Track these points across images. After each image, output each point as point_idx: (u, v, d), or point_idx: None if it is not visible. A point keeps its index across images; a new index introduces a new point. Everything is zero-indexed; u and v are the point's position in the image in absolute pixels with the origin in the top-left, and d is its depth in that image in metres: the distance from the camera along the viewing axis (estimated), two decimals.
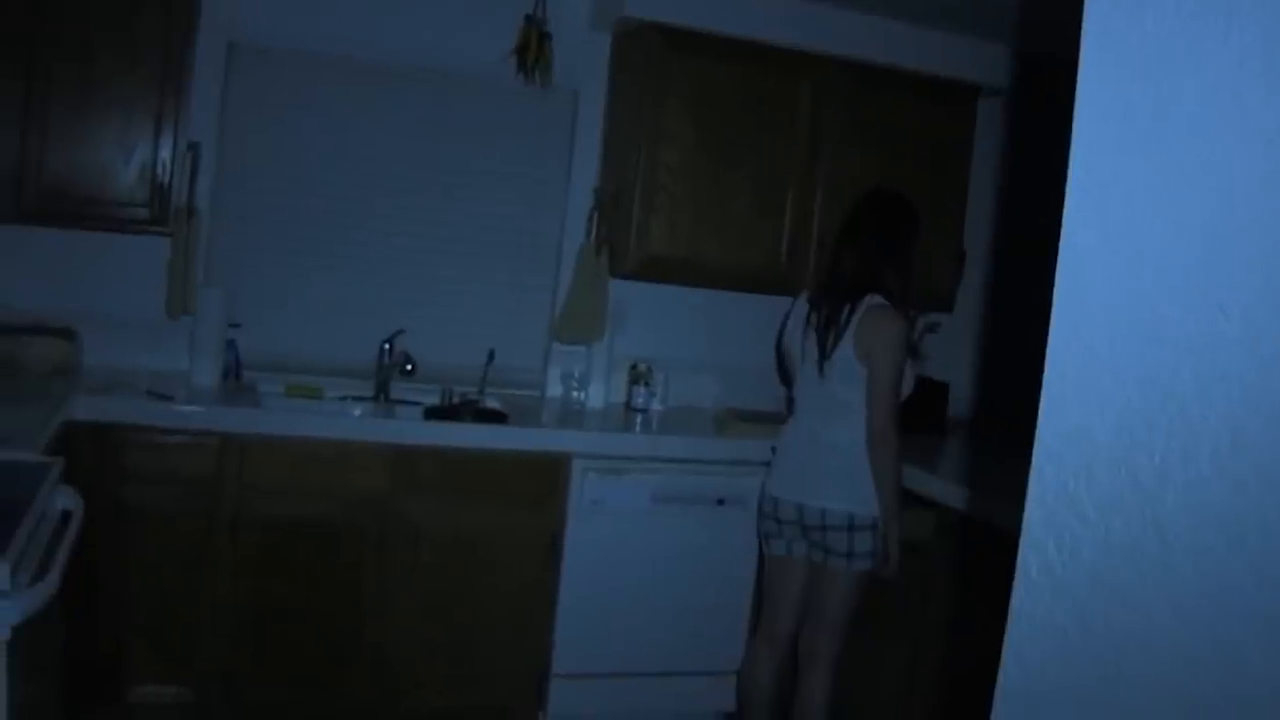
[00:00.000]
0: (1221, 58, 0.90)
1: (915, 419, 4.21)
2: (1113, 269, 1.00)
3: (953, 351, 5.55)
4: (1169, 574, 0.94)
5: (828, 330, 4.01)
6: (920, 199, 4.21)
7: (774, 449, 4.30)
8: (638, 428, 4.97)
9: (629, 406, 5.19)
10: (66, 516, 2.93)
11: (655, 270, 4.94)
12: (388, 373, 4.83)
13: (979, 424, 5.73)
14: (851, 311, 3.96)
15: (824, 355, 4.00)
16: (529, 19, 4.84)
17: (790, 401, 4.44)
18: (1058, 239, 1.07)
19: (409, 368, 4.80)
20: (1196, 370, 0.91)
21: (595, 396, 5.13)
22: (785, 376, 4.48)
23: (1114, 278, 1.00)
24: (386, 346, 4.82)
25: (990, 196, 5.66)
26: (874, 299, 3.97)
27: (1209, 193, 0.91)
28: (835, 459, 3.99)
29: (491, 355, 4.89)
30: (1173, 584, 0.94)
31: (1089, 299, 1.03)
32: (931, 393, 5.17)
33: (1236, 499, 0.88)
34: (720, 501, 4.70)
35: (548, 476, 4.50)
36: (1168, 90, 0.95)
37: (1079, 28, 1.02)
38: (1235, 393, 0.88)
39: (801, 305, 4.20)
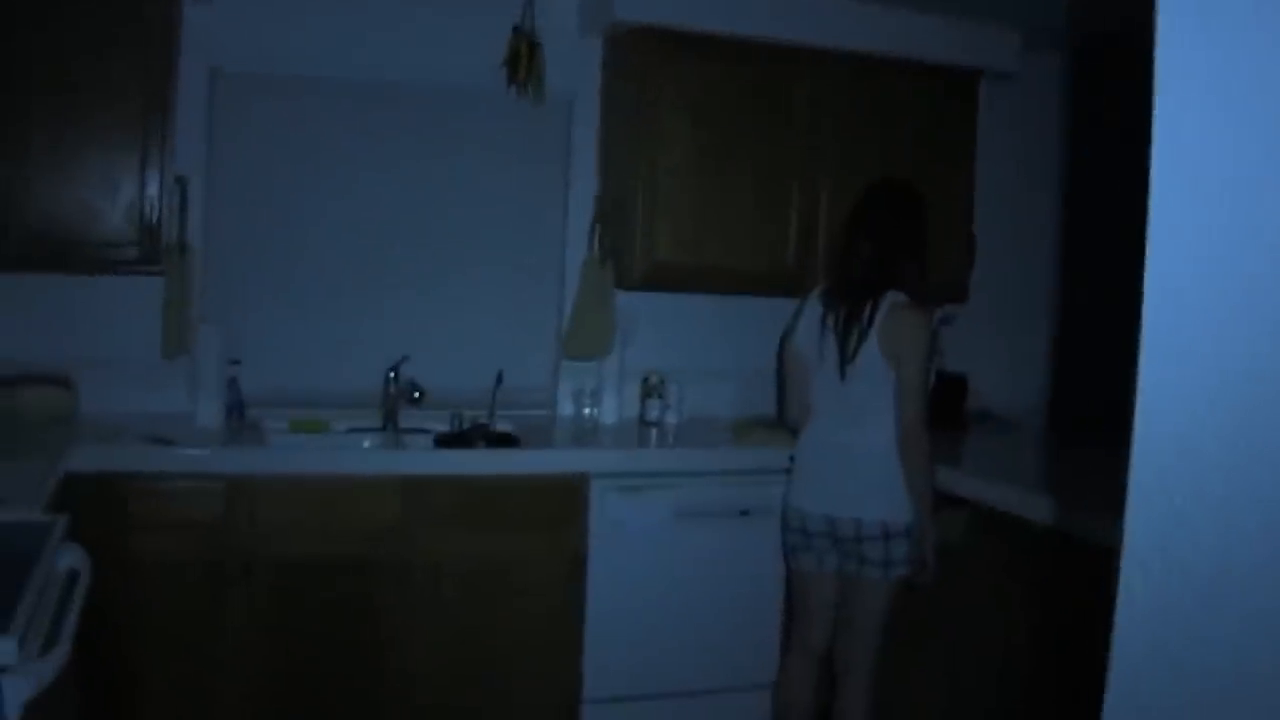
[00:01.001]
0: None
1: (934, 414, 4.11)
2: (1216, 253, 0.91)
3: (968, 343, 5.45)
4: None
5: (848, 331, 3.91)
6: (926, 187, 4.14)
7: (792, 458, 4.20)
8: (654, 442, 4.89)
9: (643, 420, 5.11)
10: (74, 576, 2.84)
11: (661, 278, 4.86)
12: (395, 401, 4.75)
13: (1000, 417, 5.65)
14: (874, 310, 3.87)
15: (846, 358, 3.90)
16: (517, 29, 4.77)
17: (783, 408, 4.37)
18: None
19: (416, 395, 4.73)
20: None
21: (608, 412, 5.06)
22: (786, 380, 4.33)
23: (1217, 264, 0.91)
24: (392, 375, 4.74)
25: (1004, 181, 5.58)
26: (896, 295, 3.88)
27: None
28: (864, 466, 3.90)
29: (500, 377, 4.79)
30: None
31: (1186, 288, 0.93)
32: (949, 386, 5.09)
33: None
34: (744, 512, 4.61)
35: (566, 499, 4.41)
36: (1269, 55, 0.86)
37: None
38: None
39: (814, 305, 4.10)
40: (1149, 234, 0.96)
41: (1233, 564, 0.90)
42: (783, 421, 4.43)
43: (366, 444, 4.68)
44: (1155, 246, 0.96)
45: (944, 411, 4.88)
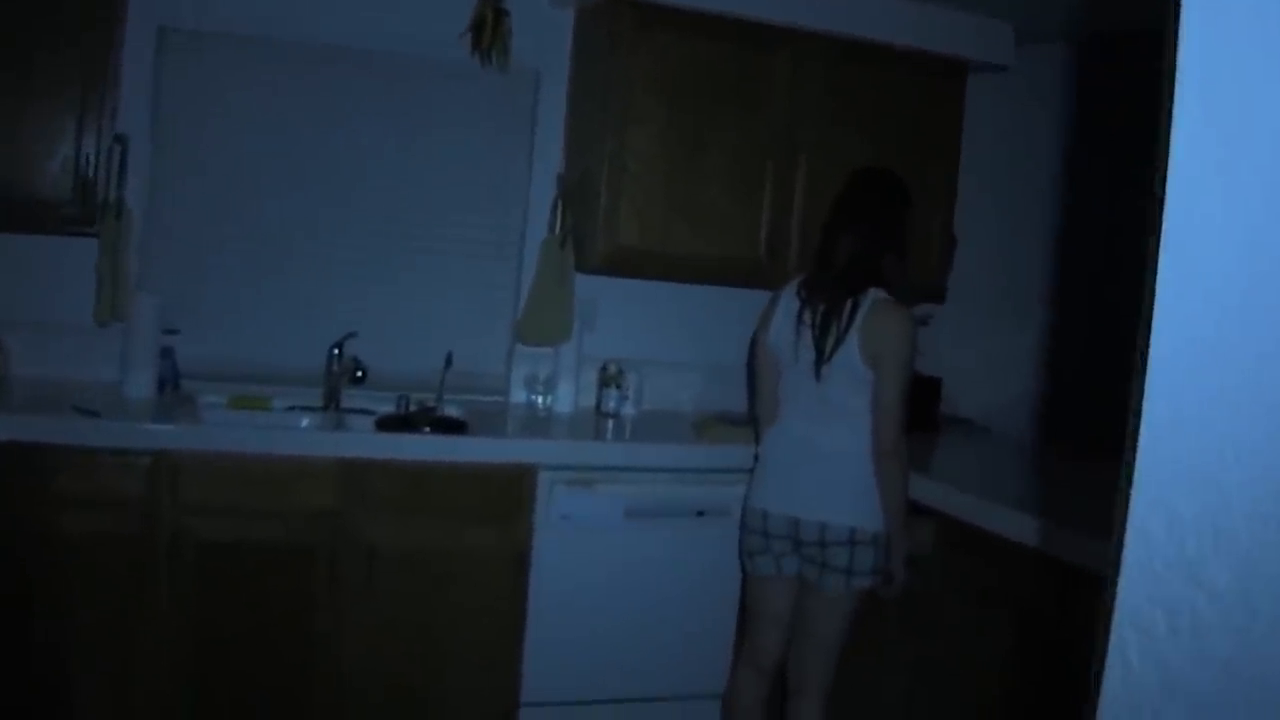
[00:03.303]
0: None
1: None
2: (1242, 251, 0.82)
3: (943, 344, 5.39)
4: None
5: (826, 328, 3.82)
6: (908, 182, 4.06)
7: (756, 457, 4.13)
8: (609, 435, 4.82)
9: (599, 411, 5.04)
10: None
11: (625, 263, 4.78)
12: (337, 380, 4.67)
13: (975, 422, 5.59)
14: (855, 307, 3.79)
15: (822, 357, 3.82)
16: None
17: (754, 404, 4.29)
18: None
19: (360, 374, 4.64)
20: None
21: (563, 401, 4.98)
22: (756, 377, 4.27)
23: (1242, 263, 0.82)
24: (336, 352, 4.65)
25: (987, 179, 5.51)
26: (877, 293, 3.80)
27: None
28: (834, 468, 3.83)
29: (449, 359, 4.70)
30: None
31: (1203, 292, 0.84)
32: (922, 388, 5.02)
33: None
34: (700, 513, 4.54)
35: (512, 490, 4.33)
36: None
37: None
38: None
39: (789, 299, 4.01)
40: (1164, 230, 0.87)
41: (1257, 628, 0.80)
42: (752, 420, 4.35)
43: (305, 423, 4.60)
44: (1169, 251, 0.87)
45: (916, 414, 4.81)
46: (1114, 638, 0.88)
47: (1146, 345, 0.87)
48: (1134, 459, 0.87)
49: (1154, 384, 0.87)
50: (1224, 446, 0.82)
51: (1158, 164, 0.87)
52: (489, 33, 4.69)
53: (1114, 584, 0.88)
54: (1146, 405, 0.87)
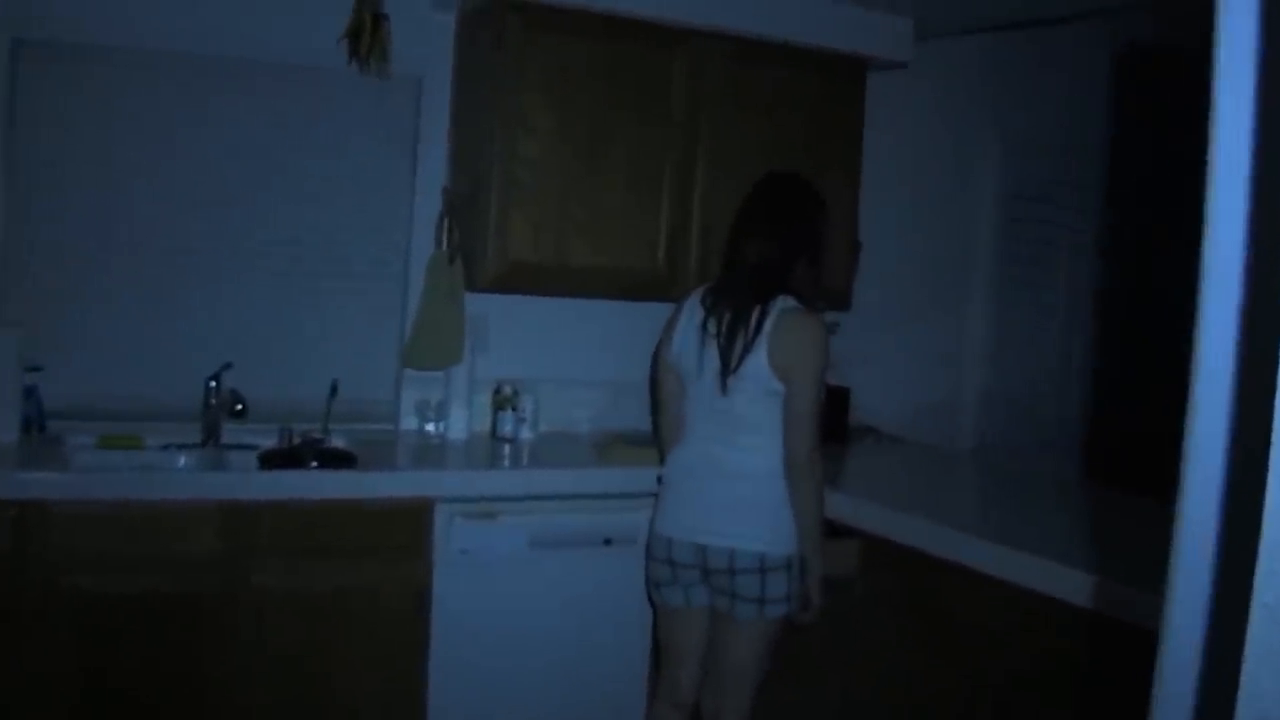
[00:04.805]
0: None
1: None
2: None
3: (852, 353, 5.28)
4: None
5: (732, 338, 3.67)
6: (818, 186, 3.95)
7: (659, 479, 3.97)
8: (507, 462, 4.65)
9: (495, 436, 4.89)
10: None
11: (517, 279, 4.62)
12: (216, 414, 4.46)
13: (882, 432, 5.54)
14: (762, 316, 3.63)
15: (728, 369, 3.66)
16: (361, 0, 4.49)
17: (657, 424, 4.15)
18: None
19: (239, 407, 4.43)
20: None
21: (456, 427, 4.82)
22: (658, 394, 4.11)
23: None
24: (213, 384, 4.45)
25: (892, 180, 5.46)
26: (786, 300, 3.66)
27: None
28: (741, 489, 3.69)
29: (335, 387, 4.55)
30: None
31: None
32: (832, 399, 4.91)
33: None
34: (607, 541, 4.41)
35: (408, 526, 4.16)
36: None
37: None
38: None
39: (693, 309, 3.86)
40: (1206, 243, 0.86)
41: None
42: (655, 441, 4.19)
43: (183, 462, 4.39)
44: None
45: (827, 425, 4.71)
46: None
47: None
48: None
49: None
50: None
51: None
52: (367, 38, 4.51)
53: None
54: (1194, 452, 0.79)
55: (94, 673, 3.80)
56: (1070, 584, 3.13)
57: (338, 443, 4.57)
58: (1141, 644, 2.84)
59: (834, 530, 3.91)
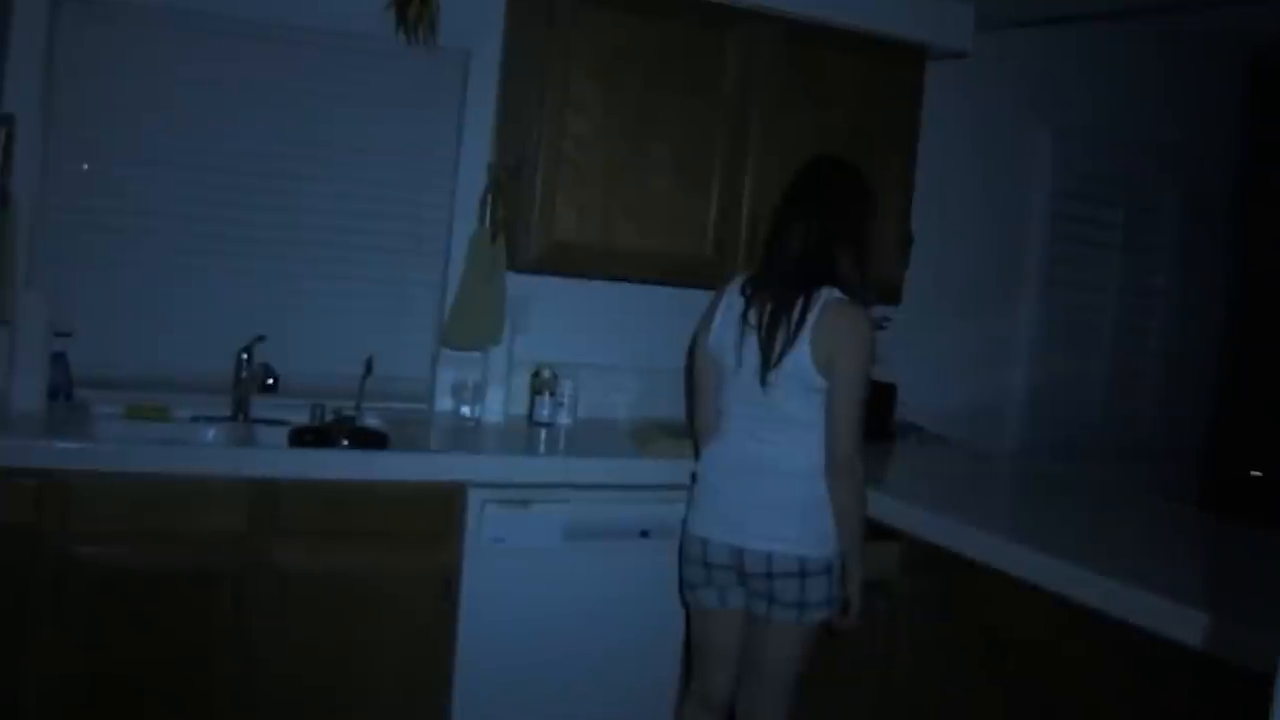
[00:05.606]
0: None
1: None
2: None
3: (900, 349, 5.21)
4: None
5: (774, 330, 3.54)
6: (868, 175, 3.83)
7: (694, 476, 3.86)
8: (543, 448, 4.57)
9: (532, 420, 4.81)
10: None
11: (561, 260, 4.55)
12: (246, 388, 4.40)
13: (927, 431, 5.46)
14: (805, 307, 3.51)
15: (769, 362, 3.54)
16: None
17: (692, 416, 4.05)
18: None
19: (270, 381, 4.39)
20: None
21: (493, 410, 4.74)
22: (696, 386, 3.98)
23: None
24: (245, 356, 4.39)
25: (951, 172, 5.40)
26: (831, 292, 3.53)
27: None
28: (781, 489, 3.57)
29: (370, 364, 4.46)
30: None
31: None
32: (878, 396, 4.79)
33: None
34: (644, 533, 4.30)
35: (439, 511, 4.08)
36: None
37: None
38: None
39: (733, 298, 3.73)
40: None
41: None
42: (692, 434, 4.07)
43: (211, 435, 4.33)
44: None
45: (871, 423, 4.61)
46: None
47: None
48: None
49: None
50: None
51: None
52: (416, 6, 4.46)
53: None
54: None
55: (109, 647, 3.74)
56: (1127, 603, 2.99)
57: (370, 421, 4.51)
58: (1206, 669, 2.72)
59: (874, 531, 3.79)
